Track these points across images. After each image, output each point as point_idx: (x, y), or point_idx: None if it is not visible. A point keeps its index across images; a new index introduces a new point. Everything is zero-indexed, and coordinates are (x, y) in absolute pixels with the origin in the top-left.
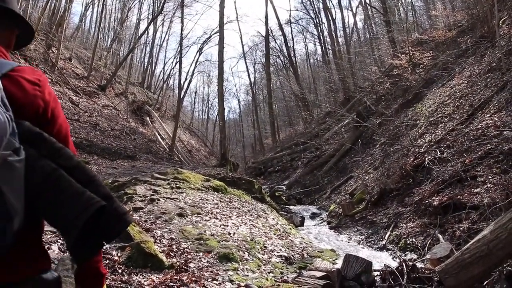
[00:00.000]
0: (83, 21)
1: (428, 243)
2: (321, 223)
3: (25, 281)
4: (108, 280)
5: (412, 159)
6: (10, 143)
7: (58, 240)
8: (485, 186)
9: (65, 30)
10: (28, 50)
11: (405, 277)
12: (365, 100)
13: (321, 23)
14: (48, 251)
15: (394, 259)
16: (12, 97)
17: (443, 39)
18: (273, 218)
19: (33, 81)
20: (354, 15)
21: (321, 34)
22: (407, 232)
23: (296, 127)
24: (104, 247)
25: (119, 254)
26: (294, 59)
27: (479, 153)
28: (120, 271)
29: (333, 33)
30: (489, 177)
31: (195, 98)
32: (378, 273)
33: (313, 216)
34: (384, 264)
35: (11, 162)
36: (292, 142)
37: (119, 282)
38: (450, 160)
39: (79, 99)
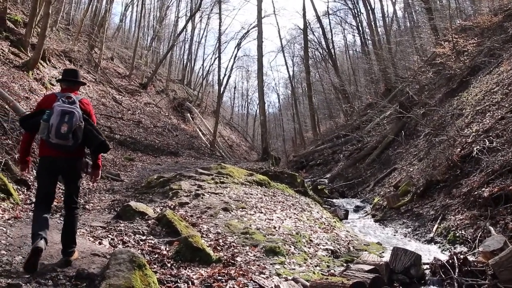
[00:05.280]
0: (123, 21)
1: (479, 235)
2: (365, 216)
3: (80, 158)
4: (158, 274)
5: (459, 149)
6: (80, 119)
7: (108, 236)
8: None
9: (106, 31)
10: (73, 52)
11: (457, 271)
12: (407, 91)
13: (359, 13)
14: (100, 246)
15: (443, 252)
16: (81, 107)
17: (489, 25)
18: (317, 212)
19: (86, 102)
20: (394, 4)
21: (360, 24)
22: (456, 224)
23: (337, 119)
24: (153, 242)
25: (167, 249)
26: (333, 51)
27: None
28: (169, 265)
29: (372, 23)
30: None
31: (234, 93)
32: (427, 266)
33: (357, 209)
34: (434, 257)
35: (80, 124)
36: (333, 135)
37: (168, 275)
38: (500, 150)
39: (121, 98)
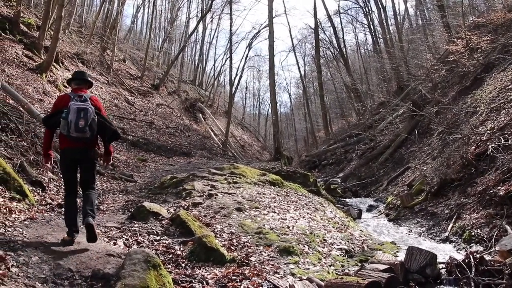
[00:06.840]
0: (135, 22)
1: (495, 234)
2: (379, 215)
3: (93, 148)
4: (172, 274)
5: (473, 147)
6: (93, 113)
7: (123, 236)
8: None
9: (118, 33)
10: (85, 54)
11: (473, 270)
12: (420, 89)
13: (371, 11)
14: (115, 246)
15: (459, 251)
16: (92, 104)
17: (503, 21)
18: (330, 211)
19: (95, 99)
20: (405, 2)
21: (371, 23)
22: (471, 223)
23: (349, 118)
24: (167, 242)
25: (181, 249)
26: (344, 50)
27: None
28: (183, 265)
29: (384, 21)
30: None
31: (246, 93)
32: (443, 265)
33: (370, 208)
34: (450, 257)
35: (94, 118)
36: (345, 134)
37: (183, 275)
38: None
39: (134, 99)
